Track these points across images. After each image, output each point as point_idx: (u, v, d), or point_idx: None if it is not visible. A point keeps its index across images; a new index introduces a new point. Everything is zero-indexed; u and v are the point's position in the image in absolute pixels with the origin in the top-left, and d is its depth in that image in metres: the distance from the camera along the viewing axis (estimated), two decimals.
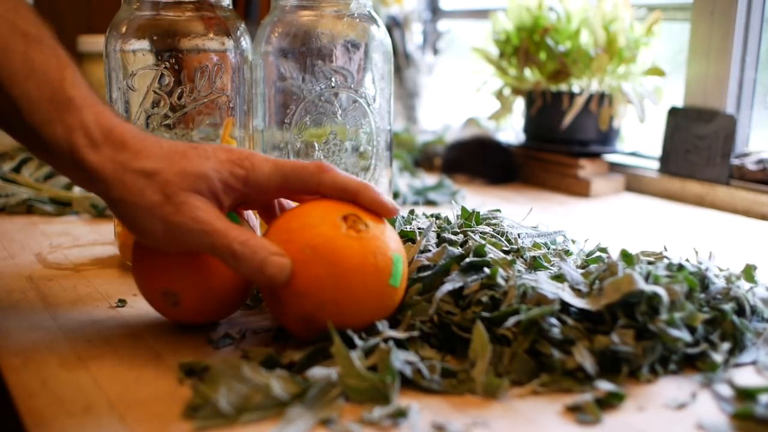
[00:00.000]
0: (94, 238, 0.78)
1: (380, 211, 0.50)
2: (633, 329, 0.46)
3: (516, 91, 1.12)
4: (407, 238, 0.57)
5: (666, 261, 0.53)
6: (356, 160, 0.70)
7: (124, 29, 0.64)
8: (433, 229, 0.58)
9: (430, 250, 0.54)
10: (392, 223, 0.60)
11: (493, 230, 0.59)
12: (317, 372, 0.43)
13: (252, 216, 0.55)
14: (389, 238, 0.48)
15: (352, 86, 0.68)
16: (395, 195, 0.95)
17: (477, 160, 1.11)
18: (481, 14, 1.40)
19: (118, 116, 0.48)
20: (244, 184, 0.48)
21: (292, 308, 0.47)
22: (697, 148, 0.98)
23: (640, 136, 1.12)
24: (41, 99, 0.45)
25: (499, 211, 0.64)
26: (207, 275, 0.50)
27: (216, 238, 0.45)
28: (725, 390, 0.44)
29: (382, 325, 0.48)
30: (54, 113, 0.45)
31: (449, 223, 0.61)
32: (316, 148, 0.68)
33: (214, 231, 0.45)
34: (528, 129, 1.13)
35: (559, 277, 0.52)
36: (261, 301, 0.58)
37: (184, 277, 0.50)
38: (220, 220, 0.46)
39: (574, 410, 0.42)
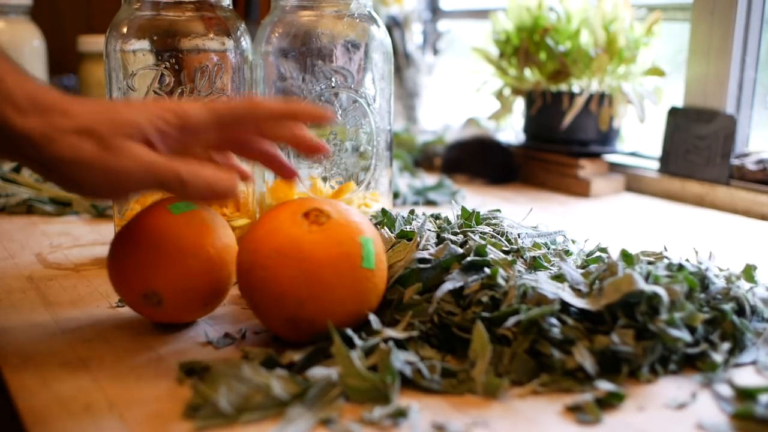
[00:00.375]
0: (94, 238, 0.78)
1: (317, 119, 0.51)
2: (633, 329, 0.46)
3: (516, 91, 1.12)
4: (406, 237, 0.57)
5: (666, 261, 0.53)
6: (356, 160, 0.70)
7: (124, 29, 0.64)
8: (431, 228, 0.58)
9: (429, 250, 0.54)
10: (392, 224, 0.60)
11: (493, 230, 0.59)
12: (317, 372, 0.43)
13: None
14: (355, 223, 0.49)
15: (352, 86, 0.68)
16: (395, 195, 0.95)
17: (477, 160, 1.11)
18: (481, 14, 1.40)
19: (39, 81, 0.47)
20: (179, 131, 0.48)
21: (275, 313, 0.47)
22: (697, 148, 0.98)
23: (640, 136, 1.12)
24: None
25: (499, 211, 0.64)
26: (187, 270, 0.50)
27: (160, 170, 0.45)
28: (725, 390, 0.44)
29: (376, 322, 0.48)
30: None
31: (449, 223, 0.61)
32: None
33: (156, 163, 0.45)
34: (528, 129, 1.13)
35: (559, 277, 0.52)
36: None
37: (165, 276, 0.50)
38: (161, 156, 0.46)
39: (574, 410, 0.42)
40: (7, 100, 0.44)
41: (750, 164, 0.93)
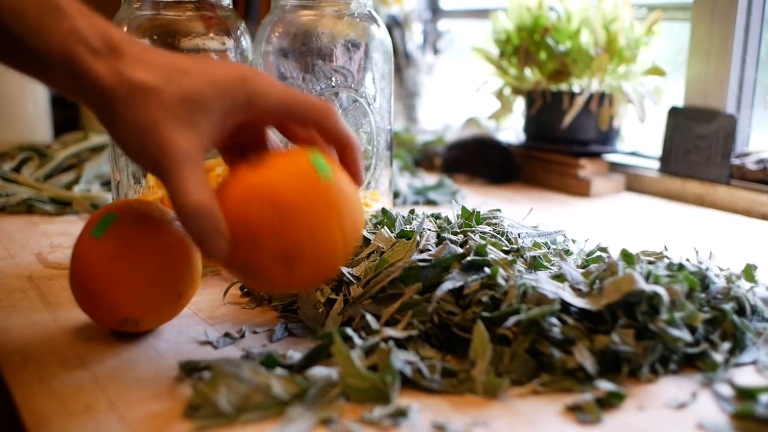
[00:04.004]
0: None
1: (354, 177, 0.50)
2: (633, 329, 0.46)
3: (516, 91, 1.12)
4: (406, 237, 0.57)
5: (666, 261, 0.53)
6: None
7: (124, 29, 0.64)
8: (431, 228, 0.57)
9: (430, 250, 0.54)
10: (392, 224, 0.60)
11: (493, 230, 0.59)
12: (317, 372, 0.43)
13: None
14: (295, 148, 0.47)
15: (353, 86, 0.68)
16: (395, 195, 0.95)
17: (477, 160, 1.11)
18: (481, 14, 1.40)
19: (109, 22, 0.45)
20: (245, 110, 0.45)
21: (266, 262, 0.45)
22: (697, 148, 0.98)
23: (640, 136, 1.12)
24: (26, 5, 0.42)
25: (499, 210, 0.64)
26: (148, 285, 0.49)
27: (176, 184, 0.42)
28: (725, 390, 0.44)
29: (374, 323, 0.48)
30: (44, 20, 0.42)
31: (449, 223, 0.61)
32: None
33: (178, 175, 0.43)
34: (528, 129, 1.13)
35: (559, 277, 0.52)
36: (261, 301, 0.58)
37: (128, 302, 0.49)
38: (189, 166, 0.43)
39: (574, 410, 0.42)
40: (78, 39, 0.42)
41: (750, 164, 0.93)
